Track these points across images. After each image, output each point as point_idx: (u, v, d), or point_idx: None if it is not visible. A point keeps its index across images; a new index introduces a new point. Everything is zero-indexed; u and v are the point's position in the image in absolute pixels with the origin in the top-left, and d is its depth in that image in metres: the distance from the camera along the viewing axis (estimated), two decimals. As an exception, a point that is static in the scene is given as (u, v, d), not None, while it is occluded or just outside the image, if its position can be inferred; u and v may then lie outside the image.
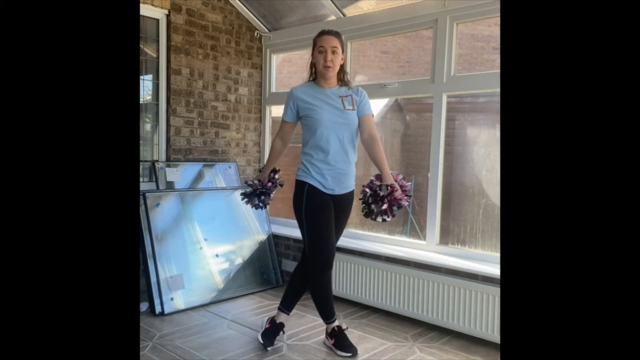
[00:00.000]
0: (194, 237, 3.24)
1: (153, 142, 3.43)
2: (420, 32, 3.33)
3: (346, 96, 2.35)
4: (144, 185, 3.28)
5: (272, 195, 2.58)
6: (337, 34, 2.34)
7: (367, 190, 2.30)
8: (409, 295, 2.91)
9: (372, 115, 2.41)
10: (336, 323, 2.50)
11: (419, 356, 2.48)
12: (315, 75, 2.39)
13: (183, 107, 3.47)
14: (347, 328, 2.56)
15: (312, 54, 2.38)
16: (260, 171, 2.62)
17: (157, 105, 3.40)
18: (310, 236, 2.37)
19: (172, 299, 3.01)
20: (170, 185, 3.33)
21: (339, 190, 2.36)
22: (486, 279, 2.63)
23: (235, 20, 3.75)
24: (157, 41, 3.37)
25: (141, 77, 3.31)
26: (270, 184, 2.55)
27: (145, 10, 3.22)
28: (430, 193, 3.05)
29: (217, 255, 3.32)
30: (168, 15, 3.35)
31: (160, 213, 3.13)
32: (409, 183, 2.34)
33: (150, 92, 3.41)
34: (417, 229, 3.44)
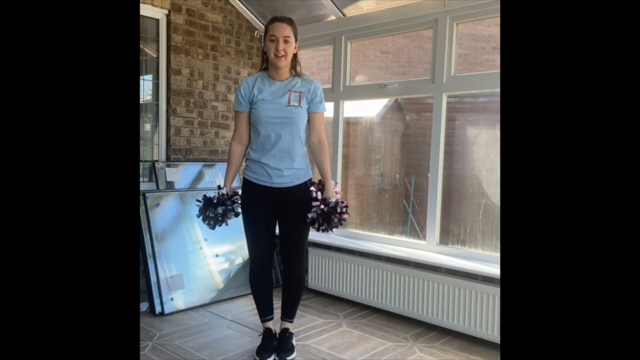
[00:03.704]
0: (194, 237, 3.24)
1: (153, 142, 3.43)
2: (420, 32, 3.33)
3: (296, 91, 2.25)
4: (144, 185, 3.28)
5: (231, 214, 2.35)
6: (290, 21, 2.25)
7: (323, 207, 2.25)
8: (409, 295, 2.91)
9: (324, 114, 2.36)
10: (268, 325, 2.49)
11: (419, 356, 2.48)
12: (267, 64, 2.29)
13: (183, 107, 3.47)
14: (260, 335, 2.50)
15: (264, 42, 2.26)
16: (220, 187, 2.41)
17: (157, 105, 3.40)
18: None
19: (172, 299, 3.01)
20: (170, 185, 3.33)
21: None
22: (486, 279, 2.63)
23: (235, 20, 3.75)
24: (157, 41, 3.36)
25: (141, 77, 3.31)
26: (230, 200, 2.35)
27: (145, 10, 3.22)
28: (430, 193, 3.05)
29: (217, 255, 3.32)
30: (168, 15, 3.35)
31: (160, 213, 3.13)
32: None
33: (150, 92, 3.41)
34: (417, 229, 3.44)
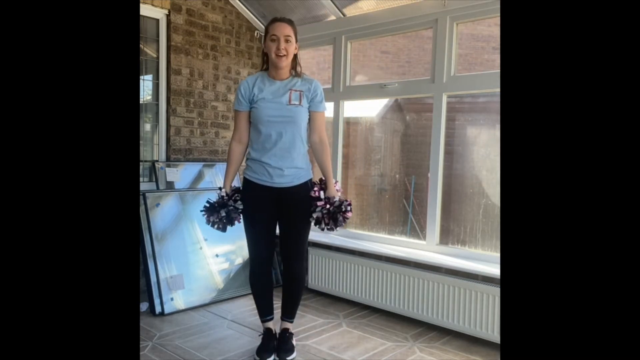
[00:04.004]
0: (194, 237, 3.24)
1: (153, 142, 3.43)
2: (420, 32, 3.33)
3: (297, 90, 2.26)
4: (144, 185, 3.28)
5: (238, 214, 2.36)
6: (290, 22, 2.26)
7: (328, 206, 2.28)
8: (409, 295, 2.91)
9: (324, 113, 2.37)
10: (268, 325, 2.49)
11: (419, 356, 2.48)
12: (268, 64, 2.30)
13: (183, 107, 3.47)
14: (260, 335, 2.51)
15: (264, 42, 2.27)
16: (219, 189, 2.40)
17: (157, 105, 3.40)
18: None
19: (172, 299, 3.01)
20: (170, 185, 3.33)
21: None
22: (486, 279, 2.63)
23: (235, 20, 3.75)
24: (157, 41, 3.36)
25: (141, 77, 3.31)
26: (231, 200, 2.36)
27: (145, 10, 3.22)
28: (430, 193, 3.05)
29: (217, 255, 3.32)
30: (168, 15, 3.35)
31: (160, 213, 3.13)
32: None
33: (150, 92, 3.41)
34: (417, 229, 3.44)
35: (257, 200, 2.32)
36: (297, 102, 2.24)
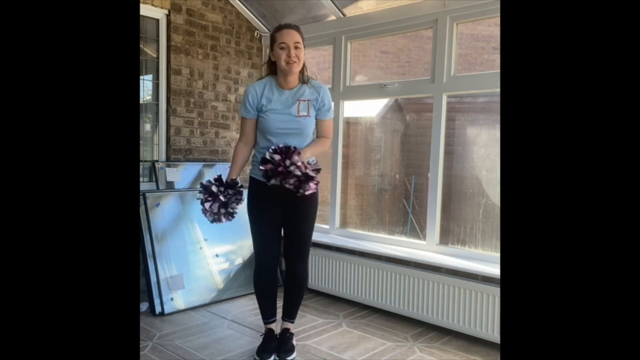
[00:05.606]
0: (194, 237, 3.24)
1: (153, 142, 3.43)
2: (420, 32, 3.33)
3: (305, 100, 2.24)
4: (144, 185, 3.28)
5: (236, 206, 2.32)
6: (297, 28, 2.23)
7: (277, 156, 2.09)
8: (409, 295, 2.91)
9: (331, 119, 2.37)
10: (270, 326, 2.49)
11: (419, 356, 2.48)
12: (275, 72, 2.27)
13: (183, 107, 3.47)
14: (261, 335, 2.51)
15: (271, 51, 2.23)
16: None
17: (157, 105, 3.40)
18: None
19: (172, 299, 3.01)
20: (170, 185, 3.33)
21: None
22: (486, 279, 2.63)
23: (235, 20, 3.75)
24: (157, 41, 3.36)
25: (141, 77, 3.31)
26: (231, 190, 2.30)
27: (145, 10, 3.22)
28: (430, 193, 3.05)
29: (217, 255, 3.32)
30: (168, 15, 3.35)
31: (160, 213, 3.13)
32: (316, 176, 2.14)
33: (150, 92, 3.41)
34: (417, 229, 3.44)
35: (263, 199, 2.32)
36: (305, 113, 2.23)
